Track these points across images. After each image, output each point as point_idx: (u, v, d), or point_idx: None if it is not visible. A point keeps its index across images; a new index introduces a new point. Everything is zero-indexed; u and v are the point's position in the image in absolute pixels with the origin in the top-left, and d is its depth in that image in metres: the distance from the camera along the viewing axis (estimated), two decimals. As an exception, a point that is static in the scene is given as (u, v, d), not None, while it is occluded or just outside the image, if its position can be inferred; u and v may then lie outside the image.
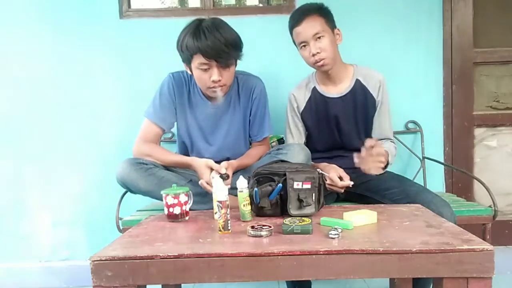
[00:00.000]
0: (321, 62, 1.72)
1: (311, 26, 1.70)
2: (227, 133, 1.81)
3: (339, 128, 1.83)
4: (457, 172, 2.32)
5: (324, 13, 1.74)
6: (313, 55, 1.71)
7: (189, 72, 1.74)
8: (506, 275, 2.16)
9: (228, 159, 1.71)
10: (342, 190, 1.64)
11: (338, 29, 1.78)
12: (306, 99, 1.86)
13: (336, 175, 1.61)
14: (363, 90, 1.82)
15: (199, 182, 1.56)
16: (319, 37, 1.70)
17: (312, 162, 1.76)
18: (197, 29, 1.60)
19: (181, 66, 1.84)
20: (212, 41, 1.57)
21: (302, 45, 1.74)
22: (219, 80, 1.64)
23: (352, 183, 1.60)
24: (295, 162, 1.54)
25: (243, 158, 1.76)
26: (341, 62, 1.82)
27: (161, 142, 2.24)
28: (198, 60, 1.61)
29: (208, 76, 1.63)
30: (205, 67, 1.62)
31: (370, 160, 1.54)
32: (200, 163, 1.59)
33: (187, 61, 1.68)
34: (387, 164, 1.73)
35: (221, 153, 1.79)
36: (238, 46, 1.67)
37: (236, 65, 1.73)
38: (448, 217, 1.42)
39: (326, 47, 1.70)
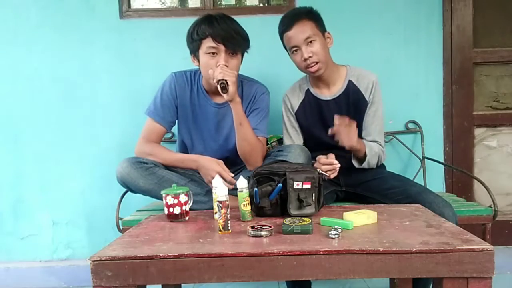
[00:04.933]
0: (315, 67, 1.71)
1: (302, 30, 1.68)
2: (229, 133, 1.80)
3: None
4: (457, 172, 2.32)
5: (314, 17, 1.72)
6: (305, 59, 1.69)
7: (195, 63, 1.74)
8: (506, 275, 2.15)
9: (227, 159, 1.71)
10: (332, 169, 1.56)
11: (328, 33, 1.77)
12: (300, 101, 1.85)
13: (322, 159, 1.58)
14: (355, 91, 1.80)
15: (208, 180, 1.58)
16: (310, 41, 1.69)
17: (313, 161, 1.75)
18: (210, 17, 1.67)
19: (180, 67, 1.84)
20: (223, 28, 1.64)
21: (294, 49, 1.73)
22: (226, 66, 1.64)
23: (337, 163, 1.55)
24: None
25: None
26: (333, 65, 1.80)
27: (161, 142, 2.24)
28: (207, 44, 1.65)
29: (215, 62, 1.65)
30: (213, 50, 1.65)
31: (344, 130, 1.59)
32: (207, 159, 1.61)
33: (196, 48, 1.69)
34: (365, 156, 1.71)
35: (221, 153, 1.78)
36: (246, 37, 1.72)
37: (242, 59, 1.75)
38: (449, 217, 1.42)
39: (318, 51, 1.69)
